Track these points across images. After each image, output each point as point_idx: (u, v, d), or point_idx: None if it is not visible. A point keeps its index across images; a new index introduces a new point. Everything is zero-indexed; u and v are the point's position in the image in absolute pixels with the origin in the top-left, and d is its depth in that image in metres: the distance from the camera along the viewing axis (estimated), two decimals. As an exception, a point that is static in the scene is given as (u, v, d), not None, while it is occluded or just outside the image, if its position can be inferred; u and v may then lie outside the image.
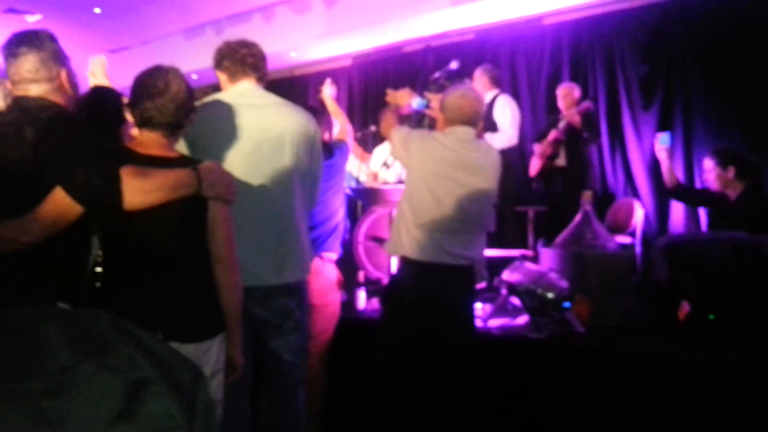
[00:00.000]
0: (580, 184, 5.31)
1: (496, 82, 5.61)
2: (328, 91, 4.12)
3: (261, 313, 2.41)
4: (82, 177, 1.71)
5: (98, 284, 1.97)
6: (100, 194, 1.71)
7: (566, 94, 5.59)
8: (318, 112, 3.41)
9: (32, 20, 7.60)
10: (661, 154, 4.43)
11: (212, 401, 0.51)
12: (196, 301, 1.96)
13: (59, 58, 1.94)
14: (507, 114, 5.36)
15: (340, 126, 3.80)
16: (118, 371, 0.46)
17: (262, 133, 2.42)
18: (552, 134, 5.55)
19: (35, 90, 1.89)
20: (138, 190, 1.75)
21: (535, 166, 5.77)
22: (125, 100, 2.03)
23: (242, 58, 2.50)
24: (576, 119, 5.33)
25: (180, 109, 1.94)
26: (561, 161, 5.62)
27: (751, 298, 3.37)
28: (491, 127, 5.26)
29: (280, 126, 2.46)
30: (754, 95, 5.23)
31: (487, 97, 5.34)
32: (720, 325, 3.38)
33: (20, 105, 1.89)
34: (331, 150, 3.35)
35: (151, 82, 1.92)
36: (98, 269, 1.99)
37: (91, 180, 1.70)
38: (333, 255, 3.33)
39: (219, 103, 2.43)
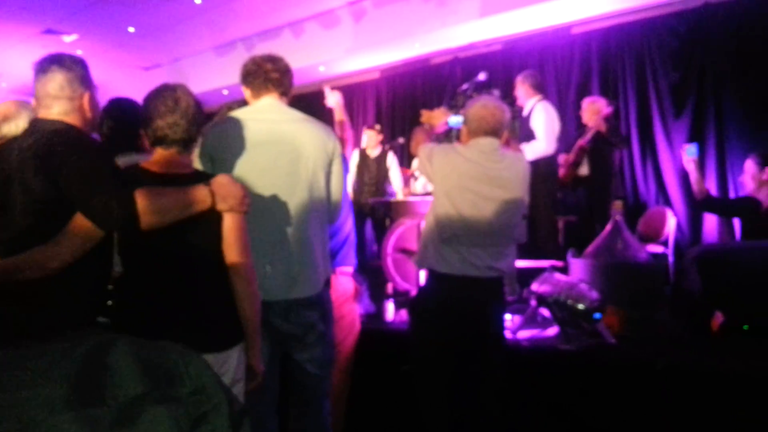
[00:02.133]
0: (604, 193, 5.26)
1: (538, 88, 5.35)
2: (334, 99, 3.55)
3: (283, 325, 2.40)
4: (98, 203, 1.78)
5: (110, 302, 2.03)
6: (117, 218, 1.78)
7: (590, 105, 5.53)
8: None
9: (69, 40, 7.82)
10: (690, 166, 4.37)
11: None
12: (214, 312, 1.99)
13: (85, 82, 2.00)
14: (540, 122, 5.13)
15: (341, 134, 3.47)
16: (182, 403, 0.47)
17: (277, 148, 2.42)
18: (577, 143, 5.52)
19: (56, 108, 1.95)
20: (152, 212, 1.81)
21: (560, 174, 5.73)
22: None
23: (266, 74, 2.50)
24: (602, 126, 5.29)
25: (191, 124, 1.99)
26: (583, 170, 5.56)
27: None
28: (529, 135, 5.12)
29: (296, 141, 2.45)
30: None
31: (528, 104, 5.29)
32: (754, 336, 3.32)
33: (36, 128, 1.93)
34: None
35: (161, 101, 1.97)
36: (110, 287, 2.05)
37: (106, 205, 1.77)
38: (349, 269, 3.31)
39: (237, 119, 2.45)
